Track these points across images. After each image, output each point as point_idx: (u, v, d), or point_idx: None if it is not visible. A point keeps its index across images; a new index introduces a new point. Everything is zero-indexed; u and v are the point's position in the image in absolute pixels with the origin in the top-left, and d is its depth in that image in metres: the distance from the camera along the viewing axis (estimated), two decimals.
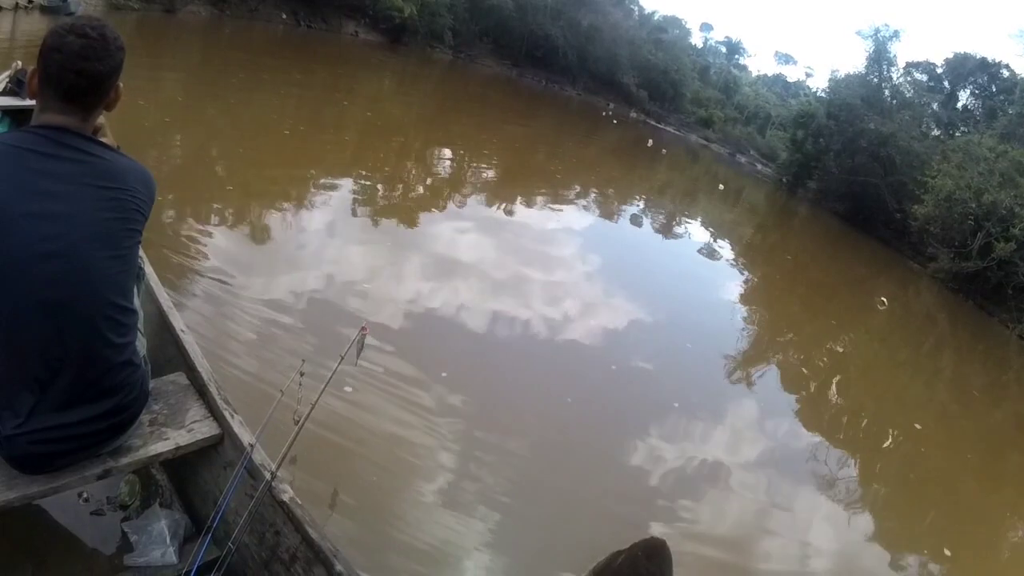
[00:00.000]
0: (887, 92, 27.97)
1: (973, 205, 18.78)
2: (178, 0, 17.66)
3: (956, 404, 9.26)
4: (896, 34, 28.59)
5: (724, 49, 70.99)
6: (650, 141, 29.57)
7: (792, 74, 78.74)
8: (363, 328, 1.84)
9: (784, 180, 30.87)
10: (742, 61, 71.35)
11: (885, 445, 6.90)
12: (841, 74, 30.03)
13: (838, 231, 23.61)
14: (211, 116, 9.24)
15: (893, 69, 29.17)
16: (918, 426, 7.52)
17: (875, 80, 28.40)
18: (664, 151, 28.79)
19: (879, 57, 28.57)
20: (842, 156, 26.64)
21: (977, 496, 6.37)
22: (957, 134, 27.50)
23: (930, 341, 12.88)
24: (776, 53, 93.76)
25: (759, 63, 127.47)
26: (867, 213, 25.11)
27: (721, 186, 25.27)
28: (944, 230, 19.41)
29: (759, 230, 19.79)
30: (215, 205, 6.05)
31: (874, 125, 25.63)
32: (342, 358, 1.83)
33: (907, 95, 28.63)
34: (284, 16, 23.26)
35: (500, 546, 3.19)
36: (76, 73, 1.55)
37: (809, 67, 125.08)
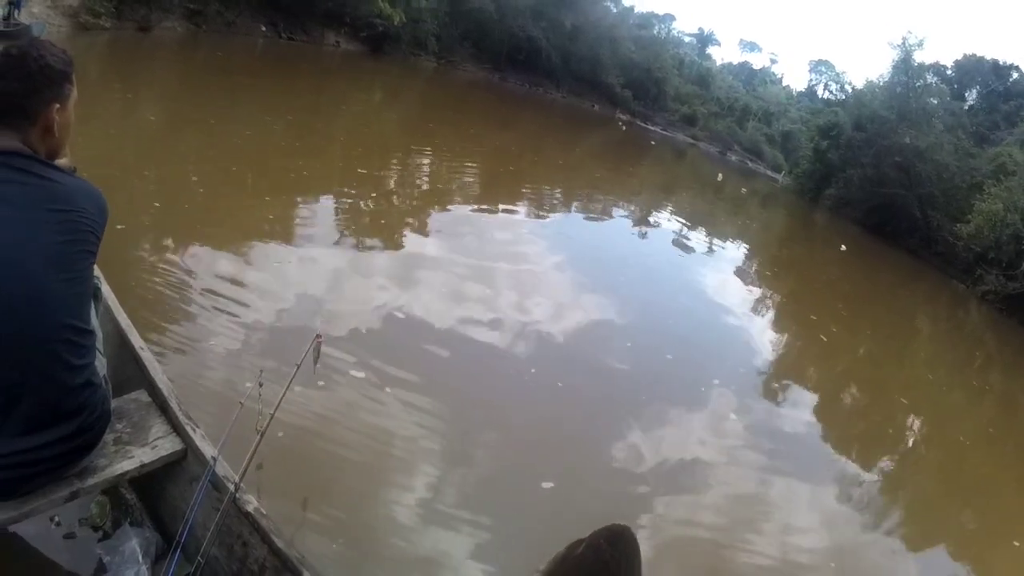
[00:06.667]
0: (913, 102, 27.24)
1: (1022, 226, 18.70)
2: (153, 17, 17.23)
3: (1001, 420, 9.11)
4: (920, 43, 27.97)
5: (693, 40, 71.63)
6: (720, 175, 29.31)
7: (757, 61, 79.01)
8: (318, 336, 1.86)
9: (805, 189, 30.86)
10: (706, 50, 71.94)
11: (925, 457, 6.84)
12: (852, 78, 29.66)
13: (862, 240, 23.25)
14: (184, 138, 8.73)
15: (919, 79, 28.57)
16: (962, 439, 7.48)
17: (899, 90, 27.78)
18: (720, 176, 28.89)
19: (907, 67, 27.91)
20: (867, 167, 26.30)
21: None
22: (965, 137, 27.18)
23: (979, 359, 12.77)
24: (740, 41, 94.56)
25: (723, 52, 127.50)
26: (893, 223, 24.84)
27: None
28: (995, 251, 19.34)
29: (783, 243, 19.34)
30: (181, 223, 5.73)
31: (909, 139, 25.13)
32: (298, 366, 1.84)
33: (932, 104, 28.07)
34: (263, 28, 23.04)
35: (479, 548, 3.13)
36: None
37: (774, 53, 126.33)
